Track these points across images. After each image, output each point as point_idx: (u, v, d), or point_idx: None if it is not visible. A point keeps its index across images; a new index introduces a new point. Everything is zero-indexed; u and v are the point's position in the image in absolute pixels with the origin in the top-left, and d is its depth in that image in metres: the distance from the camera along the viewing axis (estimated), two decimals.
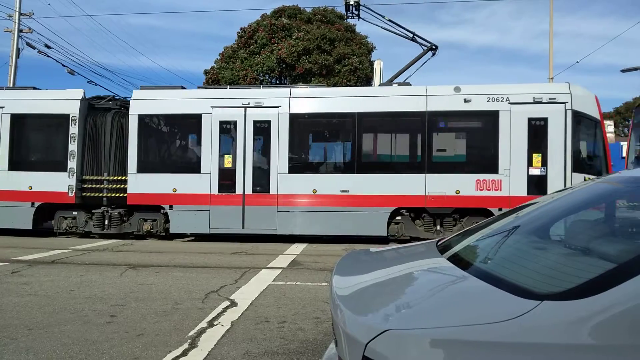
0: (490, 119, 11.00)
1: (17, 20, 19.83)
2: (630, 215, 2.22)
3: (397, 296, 1.79)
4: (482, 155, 11.29)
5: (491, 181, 10.84)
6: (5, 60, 19.81)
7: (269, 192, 11.41)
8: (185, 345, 4.04)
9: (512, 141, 10.84)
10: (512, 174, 10.80)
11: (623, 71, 21.25)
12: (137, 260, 8.62)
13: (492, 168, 10.90)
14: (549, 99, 10.83)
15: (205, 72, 25.58)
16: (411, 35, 12.93)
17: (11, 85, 19.52)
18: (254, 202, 11.44)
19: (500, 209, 10.70)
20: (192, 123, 11.71)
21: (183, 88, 12.34)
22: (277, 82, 25.44)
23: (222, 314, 5.02)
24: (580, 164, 10.87)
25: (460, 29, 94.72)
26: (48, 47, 19.58)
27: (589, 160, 11.28)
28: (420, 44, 13.10)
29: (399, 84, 12.18)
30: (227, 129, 11.62)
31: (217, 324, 4.65)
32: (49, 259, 8.64)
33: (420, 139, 11.27)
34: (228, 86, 12.20)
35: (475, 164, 11.17)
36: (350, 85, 23.15)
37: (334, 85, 23.14)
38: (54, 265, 8.06)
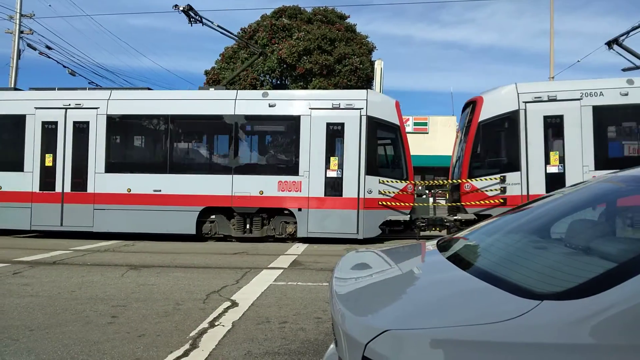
0: (293, 123, 11.57)
1: (18, 22, 19.86)
2: (632, 215, 2.21)
3: (397, 296, 1.79)
4: (284, 157, 11.98)
5: (292, 182, 11.39)
6: (6, 61, 19.90)
7: (86, 190, 11.90)
8: (187, 346, 4.04)
9: (311, 145, 11.38)
10: (311, 176, 11.36)
11: (624, 70, 21.21)
12: (138, 261, 8.63)
13: (293, 170, 11.47)
14: (346, 105, 11.39)
15: (206, 73, 25.61)
16: (245, 41, 13.55)
17: (12, 86, 19.57)
18: (72, 200, 11.91)
19: (299, 209, 11.34)
20: (17, 123, 12.22)
21: (16, 89, 12.97)
22: (278, 82, 25.46)
23: (223, 315, 5.02)
24: (374, 167, 11.42)
25: (462, 28, 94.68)
26: (49, 48, 19.66)
27: (385, 163, 11.92)
28: (252, 49, 13.63)
29: (216, 88, 12.73)
30: (49, 129, 12.15)
31: (218, 324, 4.65)
32: (51, 259, 8.65)
33: (228, 142, 11.86)
34: (56, 88, 12.64)
35: (278, 166, 11.84)
36: (351, 85, 23.16)
37: (335, 85, 23.14)
38: (55, 266, 8.07)
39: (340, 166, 11.29)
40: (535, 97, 10.90)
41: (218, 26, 12.80)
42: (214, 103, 11.84)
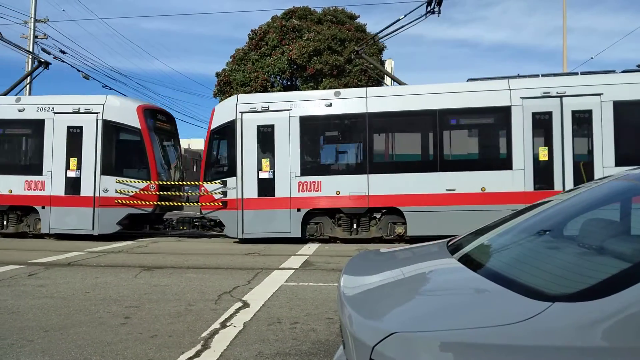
0: (38, 126, 12.50)
1: (32, 26, 20.16)
2: None
3: (406, 298, 1.77)
4: (30, 158, 12.82)
5: (37, 182, 12.40)
6: (21, 66, 20.20)
7: None
8: (198, 347, 4.05)
9: (54, 147, 12.31)
10: (53, 176, 12.31)
11: (639, 66, 20.86)
12: (151, 262, 8.70)
13: (38, 170, 12.42)
14: (85, 109, 12.36)
15: (217, 75, 25.73)
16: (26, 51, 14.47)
17: (28, 91, 19.86)
18: None
19: (43, 207, 12.32)
20: None
21: None
22: (289, 83, 25.50)
23: (234, 315, 5.03)
24: (111, 168, 12.27)
25: (473, 27, 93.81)
26: (63, 52, 19.89)
27: (125, 164, 12.63)
28: (35, 59, 14.79)
29: None
30: None
31: (229, 325, 4.67)
32: (65, 261, 8.77)
33: None
34: None
35: (24, 167, 12.74)
36: (362, 86, 23.10)
37: (345, 85, 23.07)
38: (70, 267, 8.17)
39: (79, 167, 12.22)
40: (250, 108, 11.73)
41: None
42: None
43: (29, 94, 19.89)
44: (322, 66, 23.12)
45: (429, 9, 11.97)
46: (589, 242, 2.06)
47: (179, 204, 13.74)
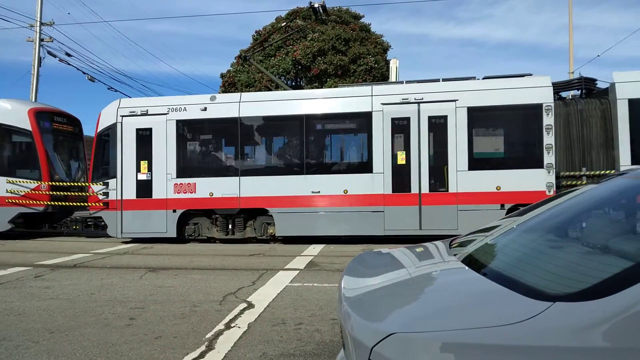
0: None
1: (38, 30, 20.30)
2: None
3: (406, 298, 1.76)
4: None
5: None
6: (27, 69, 20.36)
7: None
8: (203, 348, 4.06)
9: None
10: None
11: None
12: (157, 263, 8.73)
13: None
14: None
15: (222, 76, 25.79)
16: None
17: (34, 94, 20.00)
18: None
19: None
20: None
21: None
22: (293, 83, 25.51)
23: (239, 316, 5.04)
24: (1, 169, 13.02)
25: (479, 25, 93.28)
26: (69, 55, 20.03)
27: (17, 165, 13.29)
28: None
29: None
30: None
31: (234, 326, 4.67)
32: (71, 263, 8.82)
33: None
34: None
35: None
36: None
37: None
38: (76, 269, 8.22)
39: None
40: (130, 112, 12.05)
41: None
42: None
43: (35, 89, 20.03)
44: (326, 66, 23.11)
45: (317, 15, 13.20)
46: (593, 241, 2.04)
47: (79, 204, 14.03)
